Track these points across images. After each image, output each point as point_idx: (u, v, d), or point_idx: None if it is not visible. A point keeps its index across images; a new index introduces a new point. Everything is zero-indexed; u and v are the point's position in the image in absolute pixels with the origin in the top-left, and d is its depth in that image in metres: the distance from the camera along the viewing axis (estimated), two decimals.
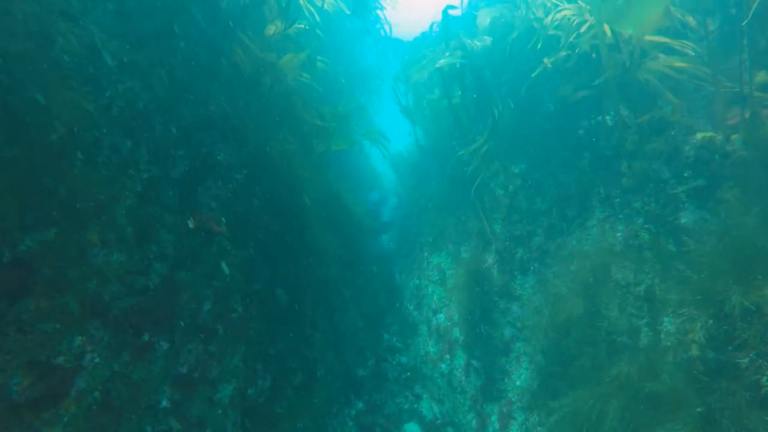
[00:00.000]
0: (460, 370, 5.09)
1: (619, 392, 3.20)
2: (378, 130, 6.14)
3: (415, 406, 5.63)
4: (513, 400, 4.37)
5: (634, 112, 3.79)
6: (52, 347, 2.22)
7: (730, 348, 2.83)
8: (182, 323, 2.92)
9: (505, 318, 4.62)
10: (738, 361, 2.78)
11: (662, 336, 3.22)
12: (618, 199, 3.79)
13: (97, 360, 2.40)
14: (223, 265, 3.12)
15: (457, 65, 4.95)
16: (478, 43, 4.96)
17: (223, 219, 3.26)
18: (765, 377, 2.62)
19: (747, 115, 3.36)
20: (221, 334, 3.18)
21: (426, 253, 5.92)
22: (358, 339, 6.12)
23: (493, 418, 4.51)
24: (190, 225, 3.00)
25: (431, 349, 5.67)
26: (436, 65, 5.04)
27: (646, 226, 3.55)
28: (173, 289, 2.89)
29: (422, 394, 5.69)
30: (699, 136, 3.49)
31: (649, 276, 3.47)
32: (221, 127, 3.27)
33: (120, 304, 2.55)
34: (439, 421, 5.30)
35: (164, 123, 2.95)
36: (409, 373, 5.95)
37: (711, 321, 2.92)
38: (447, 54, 5.02)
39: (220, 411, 3.25)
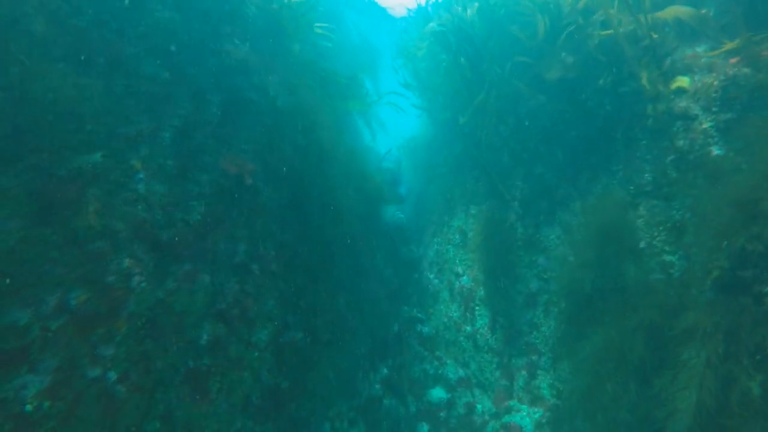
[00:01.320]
0: (485, 328, 5.11)
1: (648, 324, 3.22)
2: (387, 95, 6.16)
3: (440, 371, 5.64)
4: (542, 351, 4.38)
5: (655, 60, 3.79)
6: (103, 265, 2.27)
7: (751, 270, 2.85)
8: (220, 260, 2.96)
9: (531, 271, 4.63)
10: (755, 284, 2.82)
11: (689, 267, 3.22)
12: (644, 141, 3.79)
13: (144, 284, 2.44)
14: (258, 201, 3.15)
15: (452, 28, 4.98)
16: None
17: (255, 163, 3.29)
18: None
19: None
20: (257, 274, 3.22)
21: (446, 218, 5.94)
22: (380, 308, 6.14)
23: (522, 371, 4.52)
24: (223, 165, 3.04)
25: (454, 314, 5.68)
26: (436, 27, 5.13)
27: (675, 163, 3.55)
28: (211, 227, 2.93)
29: (446, 359, 5.70)
30: (726, 71, 3.49)
31: (680, 212, 3.47)
32: (251, 72, 3.31)
33: (163, 233, 2.59)
34: (465, 384, 5.32)
35: (197, 63, 2.99)
36: (432, 341, 5.97)
37: (738, 244, 2.93)
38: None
39: (256, 354, 3.29)
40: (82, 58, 2.34)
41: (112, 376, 2.29)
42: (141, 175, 2.50)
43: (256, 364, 3.30)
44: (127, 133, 2.44)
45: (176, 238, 2.66)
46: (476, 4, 4.86)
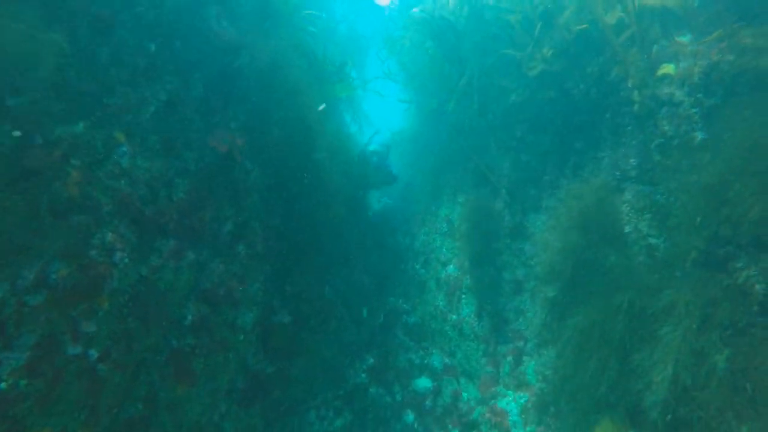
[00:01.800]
0: (471, 316, 5.11)
1: (630, 304, 3.26)
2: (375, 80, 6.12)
3: (426, 360, 5.63)
4: (528, 337, 4.41)
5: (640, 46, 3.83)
6: (86, 239, 2.19)
7: (727, 248, 2.92)
8: (206, 239, 2.89)
9: (517, 258, 4.66)
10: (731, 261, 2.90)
11: (671, 248, 3.28)
12: (629, 127, 3.83)
13: (126, 260, 2.36)
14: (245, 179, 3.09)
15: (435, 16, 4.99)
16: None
17: (243, 139, 3.23)
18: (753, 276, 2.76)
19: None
20: (243, 255, 3.16)
21: (433, 207, 5.93)
22: (366, 297, 6.11)
23: (508, 357, 4.54)
24: (211, 143, 2.97)
25: (440, 303, 5.68)
26: (419, 13, 5.13)
27: (660, 148, 3.60)
28: (196, 204, 2.86)
29: (432, 348, 5.69)
30: (708, 59, 3.54)
31: (663, 196, 3.52)
32: (239, 51, 3.24)
33: (148, 209, 2.51)
34: (451, 373, 5.32)
35: (185, 38, 2.92)
36: (418, 331, 5.96)
37: (712, 226, 3.00)
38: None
39: (242, 337, 3.23)
40: (66, 23, 2.25)
41: (94, 354, 2.21)
42: (125, 149, 2.42)
43: (241, 348, 3.24)
44: (112, 103, 2.35)
45: (160, 215, 2.59)
46: None
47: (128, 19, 2.44)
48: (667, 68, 3.75)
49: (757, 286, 2.83)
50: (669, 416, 2.99)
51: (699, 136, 3.36)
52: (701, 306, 2.97)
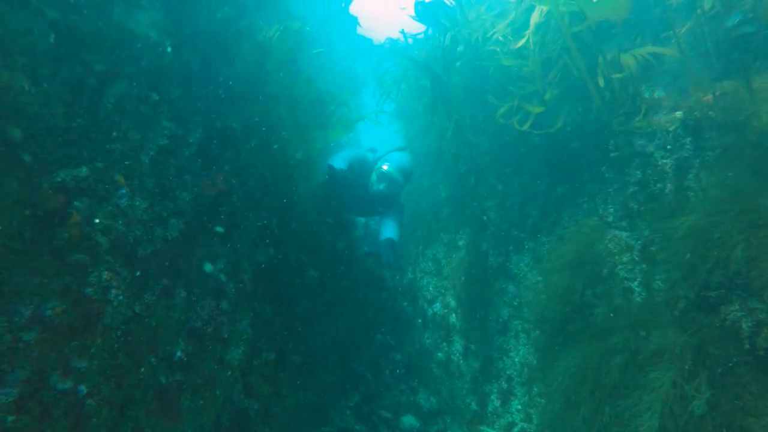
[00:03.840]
0: (457, 355, 5.17)
1: (622, 349, 3.36)
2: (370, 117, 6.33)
3: (412, 398, 5.64)
4: (512, 376, 4.47)
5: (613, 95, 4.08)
6: (82, 277, 2.28)
7: (719, 291, 3.05)
8: (197, 277, 2.99)
9: (501, 299, 4.76)
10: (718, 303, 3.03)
11: (655, 293, 3.41)
12: (607, 174, 4.03)
13: (121, 298, 2.45)
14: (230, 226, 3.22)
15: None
16: None
17: (234, 184, 3.38)
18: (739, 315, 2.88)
19: (718, 93, 3.66)
20: (232, 293, 3.24)
21: (421, 247, 6.06)
22: (353, 335, 6.14)
23: (493, 396, 4.59)
24: (206, 185, 3.11)
25: (427, 341, 5.74)
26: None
27: (636, 196, 3.79)
28: (189, 243, 2.97)
29: (419, 387, 5.71)
30: (679, 114, 3.78)
31: (639, 241, 3.68)
32: (235, 101, 3.44)
33: (142, 248, 2.62)
34: (437, 411, 5.33)
35: (184, 87, 3.10)
36: (404, 369, 5.98)
37: (701, 275, 3.14)
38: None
39: (229, 373, 3.28)
40: (74, 78, 2.42)
41: (83, 390, 2.27)
42: (124, 191, 2.55)
43: (228, 384, 3.29)
44: (114, 149, 2.50)
45: (155, 254, 2.69)
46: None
47: (133, 72, 2.62)
48: (642, 121, 3.98)
49: (744, 325, 2.91)
50: None
51: (669, 186, 3.56)
52: (691, 349, 3.06)
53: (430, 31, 6.44)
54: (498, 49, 4.75)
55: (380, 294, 6.93)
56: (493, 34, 4.87)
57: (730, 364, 2.92)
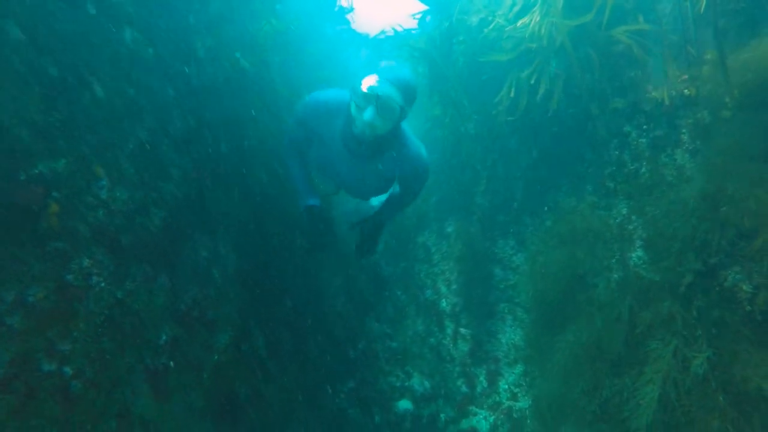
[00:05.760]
0: (448, 339, 5.27)
1: (616, 323, 3.41)
2: None
3: (407, 383, 5.75)
4: (499, 357, 4.56)
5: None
6: (63, 264, 2.38)
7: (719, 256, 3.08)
8: (181, 264, 3.09)
9: (490, 282, 4.84)
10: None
11: (633, 268, 3.48)
12: (587, 156, 4.09)
13: (103, 284, 2.55)
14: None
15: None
16: None
17: (219, 176, 3.47)
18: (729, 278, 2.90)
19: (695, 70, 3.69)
20: (218, 279, 3.35)
21: (411, 235, 6.14)
22: (349, 323, 6.25)
23: (481, 377, 4.68)
24: (187, 175, 3.20)
25: (419, 327, 5.83)
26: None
27: (613, 175, 3.84)
28: (172, 233, 3.07)
29: (413, 371, 5.81)
30: (654, 93, 3.82)
31: (617, 220, 3.74)
32: (221, 94, 3.53)
33: (124, 237, 2.72)
34: (430, 394, 5.42)
35: (163, 82, 3.19)
36: (399, 356, 6.08)
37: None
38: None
39: (216, 357, 3.39)
40: (53, 74, 2.51)
41: (68, 371, 2.38)
42: (104, 182, 2.64)
43: (216, 368, 3.39)
44: (92, 141, 2.59)
45: (137, 243, 2.79)
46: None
47: (108, 69, 2.71)
48: (619, 102, 4.03)
49: (744, 286, 2.94)
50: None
51: (644, 165, 3.62)
52: (692, 316, 3.09)
53: (428, 18, 6.45)
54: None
55: (376, 283, 7.04)
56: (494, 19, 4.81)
57: (729, 324, 2.94)
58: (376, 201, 4.84)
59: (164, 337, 2.95)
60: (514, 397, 4.27)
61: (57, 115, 2.52)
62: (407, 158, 3.15)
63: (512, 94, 4.39)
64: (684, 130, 3.54)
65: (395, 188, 3.69)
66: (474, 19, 4.93)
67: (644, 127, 3.67)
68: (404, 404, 5.53)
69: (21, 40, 2.40)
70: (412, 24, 6.69)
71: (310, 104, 3.30)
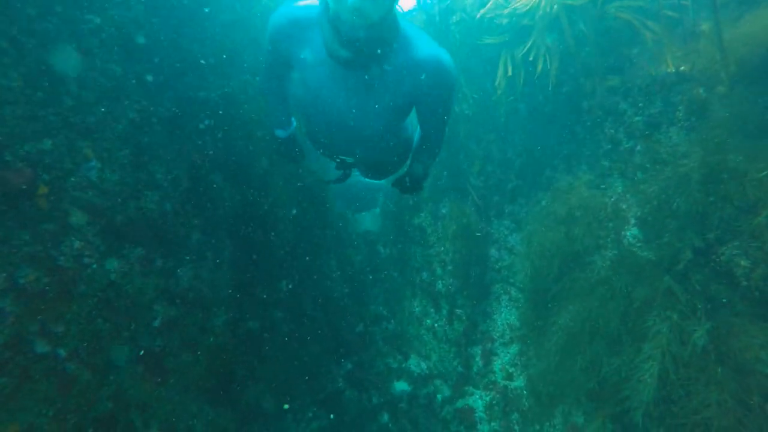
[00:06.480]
0: (443, 320, 5.29)
1: (613, 300, 3.41)
2: None
3: (404, 365, 5.79)
4: (494, 337, 4.58)
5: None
6: (53, 246, 2.36)
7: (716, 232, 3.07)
8: (174, 246, 3.07)
9: (485, 263, 4.84)
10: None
11: (628, 246, 3.48)
12: (581, 135, 4.06)
13: (95, 266, 2.54)
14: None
15: None
16: None
17: (213, 159, 3.43)
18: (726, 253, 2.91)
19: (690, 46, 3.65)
20: (211, 260, 3.33)
21: (407, 217, 6.12)
22: (345, 306, 6.27)
23: (477, 357, 4.71)
24: (179, 156, 3.16)
25: (416, 309, 5.85)
26: None
27: (608, 154, 3.82)
28: (165, 215, 3.04)
29: (410, 353, 5.85)
30: (650, 70, 3.78)
31: (612, 198, 3.73)
32: (207, 75, 3.46)
33: (116, 218, 2.70)
34: (427, 375, 5.47)
35: (152, 61, 3.13)
36: (396, 337, 6.12)
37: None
38: None
39: (212, 339, 3.39)
40: (29, 47, 2.46)
41: (62, 353, 2.38)
42: (93, 163, 2.61)
43: (212, 350, 3.40)
44: (80, 122, 2.55)
45: (129, 224, 2.77)
46: None
47: (96, 46, 2.65)
48: (614, 80, 3.99)
49: (742, 262, 2.94)
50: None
51: (639, 144, 3.60)
52: (691, 290, 3.10)
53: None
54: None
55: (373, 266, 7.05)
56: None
57: (727, 299, 2.95)
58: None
59: (159, 319, 2.95)
60: (509, 376, 4.32)
61: (41, 95, 2.47)
62: (419, 63, 2.37)
63: (510, 73, 4.34)
64: (680, 107, 3.51)
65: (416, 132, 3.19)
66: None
67: (639, 104, 3.65)
68: (401, 386, 5.59)
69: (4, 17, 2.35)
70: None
71: (275, 24, 2.68)
